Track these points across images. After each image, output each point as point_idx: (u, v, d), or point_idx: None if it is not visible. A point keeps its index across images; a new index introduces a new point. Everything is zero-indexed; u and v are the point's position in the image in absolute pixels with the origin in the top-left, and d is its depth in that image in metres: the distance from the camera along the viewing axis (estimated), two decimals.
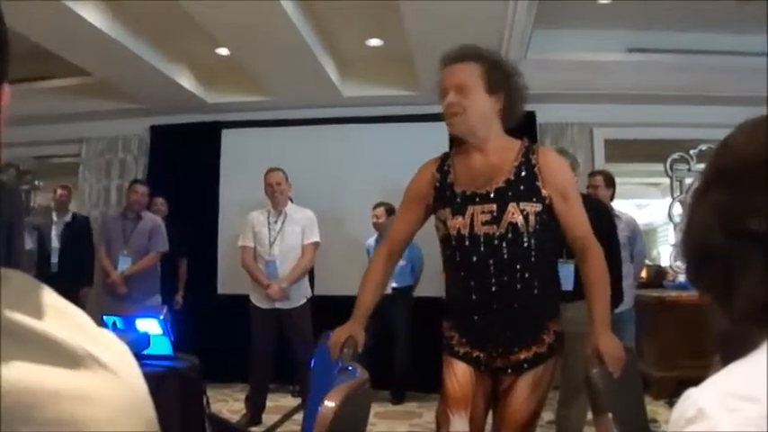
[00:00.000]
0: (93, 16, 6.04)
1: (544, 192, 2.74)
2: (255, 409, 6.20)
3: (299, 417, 6.17)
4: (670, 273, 8.59)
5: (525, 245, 2.73)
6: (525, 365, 2.79)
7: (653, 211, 12.84)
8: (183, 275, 7.81)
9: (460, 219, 2.79)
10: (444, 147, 3.23)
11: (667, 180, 8.74)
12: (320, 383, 2.63)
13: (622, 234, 5.29)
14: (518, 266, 2.73)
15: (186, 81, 8.03)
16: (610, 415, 2.18)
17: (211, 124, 8.70)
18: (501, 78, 2.82)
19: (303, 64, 7.05)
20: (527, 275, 2.74)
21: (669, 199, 8.71)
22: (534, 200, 2.73)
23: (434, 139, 7.63)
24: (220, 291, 8.40)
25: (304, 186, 7.11)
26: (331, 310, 6.11)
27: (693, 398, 0.80)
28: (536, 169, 2.77)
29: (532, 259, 2.74)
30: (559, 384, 4.99)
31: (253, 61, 7.23)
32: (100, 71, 7.66)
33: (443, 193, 2.89)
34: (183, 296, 7.72)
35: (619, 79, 7.60)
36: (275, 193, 6.18)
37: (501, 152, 2.83)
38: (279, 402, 6.86)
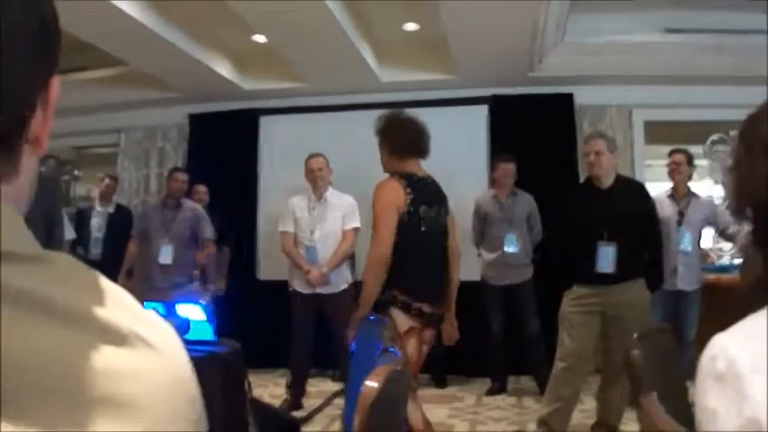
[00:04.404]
0: (129, 6, 6.07)
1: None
2: (296, 394, 6.25)
3: (339, 401, 6.22)
4: (710, 255, 8.48)
5: None
6: None
7: None
8: (225, 262, 7.86)
9: None
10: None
11: (707, 162, 8.63)
12: (361, 366, 2.66)
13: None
14: None
15: (223, 69, 8.05)
16: (654, 394, 2.18)
17: (249, 111, 8.72)
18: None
19: (340, 50, 7.04)
20: None
21: (709, 181, 8.59)
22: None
23: (472, 123, 7.60)
24: (261, 277, 8.45)
25: (342, 172, 7.07)
26: None
27: (718, 340, 0.90)
28: None
29: None
30: (600, 368, 4.99)
31: (289, 48, 7.22)
32: (136, 61, 7.72)
33: None
34: (225, 282, 7.78)
35: (657, 60, 7.49)
36: (316, 179, 6.21)
37: None
38: (319, 387, 6.90)
